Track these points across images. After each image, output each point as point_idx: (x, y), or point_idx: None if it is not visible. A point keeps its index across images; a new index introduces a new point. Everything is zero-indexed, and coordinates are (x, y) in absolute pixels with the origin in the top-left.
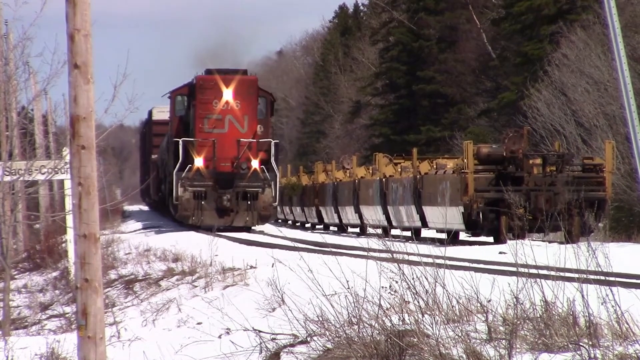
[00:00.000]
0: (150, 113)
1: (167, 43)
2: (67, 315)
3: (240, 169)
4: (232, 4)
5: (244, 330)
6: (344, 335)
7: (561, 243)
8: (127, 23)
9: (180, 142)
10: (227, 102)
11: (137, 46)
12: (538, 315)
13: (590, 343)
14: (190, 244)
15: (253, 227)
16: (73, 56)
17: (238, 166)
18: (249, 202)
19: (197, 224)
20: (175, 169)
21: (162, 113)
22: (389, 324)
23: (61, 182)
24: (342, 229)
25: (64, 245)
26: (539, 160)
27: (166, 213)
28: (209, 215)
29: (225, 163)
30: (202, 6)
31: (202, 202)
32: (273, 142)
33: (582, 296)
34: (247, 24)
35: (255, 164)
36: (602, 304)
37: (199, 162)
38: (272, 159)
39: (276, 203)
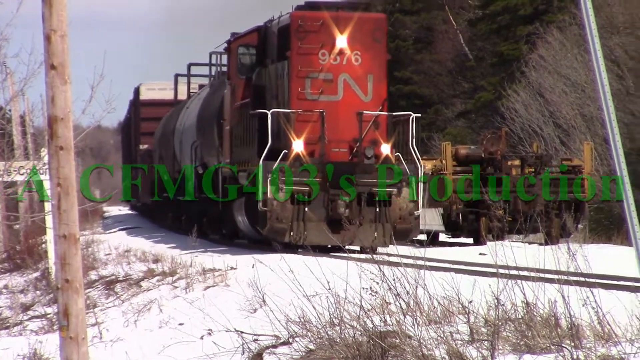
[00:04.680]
0: (137, 91)
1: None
2: (48, 316)
3: (365, 158)
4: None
5: (226, 331)
6: (326, 336)
7: (541, 244)
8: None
9: (269, 116)
10: (341, 54)
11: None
12: (520, 317)
13: (573, 344)
14: (169, 244)
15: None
16: (50, 57)
17: (360, 153)
18: (377, 210)
19: (296, 242)
20: (262, 157)
21: (153, 91)
22: (371, 325)
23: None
24: None
25: (44, 245)
26: (517, 162)
27: (162, 220)
28: (316, 228)
29: (340, 148)
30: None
31: (306, 209)
32: (414, 116)
33: (563, 297)
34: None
35: (386, 149)
36: (583, 305)
37: (298, 146)
38: (411, 142)
39: (419, 211)
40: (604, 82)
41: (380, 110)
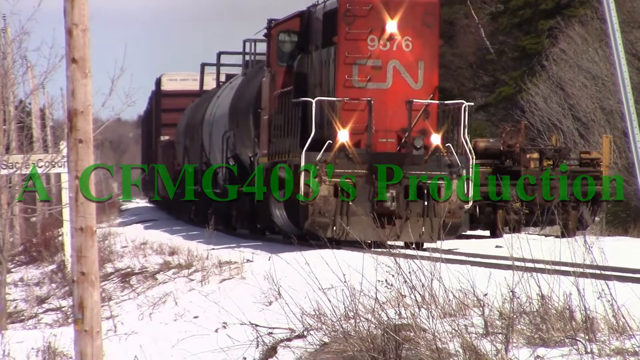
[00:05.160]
0: (158, 82)
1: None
2: (63, 309)
3: (414, 149)
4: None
5: (241, 324)
6: (341, 329)
7: (557, 237)
8: None
9: (314, 104)
10: (391, 39)
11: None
12: (534, 310)
13: (587, 337)
14: (186, 237)
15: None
16: (71, 50)
17: (409, 144)
18: (425, 203)
19: (339, 237)
20: (305, 148)
21: (175, 82)
22: (386, 318)
23: (58, 175)
24: None
25: (60, 238)
26: (536, 155)
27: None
28: (360, 223)
29: (388, 138)
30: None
31: (350, 203)
32: (466, 104)
33: (579, 290)
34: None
35: (436, 139)
36: (598, 298)
37: (343, 136)
38: (463, 132)
39: (469, 205)
40: (625, 76)
41: (431, 99)
